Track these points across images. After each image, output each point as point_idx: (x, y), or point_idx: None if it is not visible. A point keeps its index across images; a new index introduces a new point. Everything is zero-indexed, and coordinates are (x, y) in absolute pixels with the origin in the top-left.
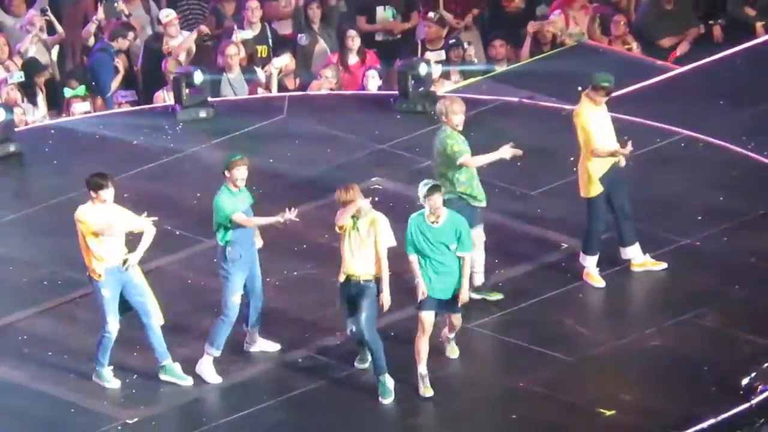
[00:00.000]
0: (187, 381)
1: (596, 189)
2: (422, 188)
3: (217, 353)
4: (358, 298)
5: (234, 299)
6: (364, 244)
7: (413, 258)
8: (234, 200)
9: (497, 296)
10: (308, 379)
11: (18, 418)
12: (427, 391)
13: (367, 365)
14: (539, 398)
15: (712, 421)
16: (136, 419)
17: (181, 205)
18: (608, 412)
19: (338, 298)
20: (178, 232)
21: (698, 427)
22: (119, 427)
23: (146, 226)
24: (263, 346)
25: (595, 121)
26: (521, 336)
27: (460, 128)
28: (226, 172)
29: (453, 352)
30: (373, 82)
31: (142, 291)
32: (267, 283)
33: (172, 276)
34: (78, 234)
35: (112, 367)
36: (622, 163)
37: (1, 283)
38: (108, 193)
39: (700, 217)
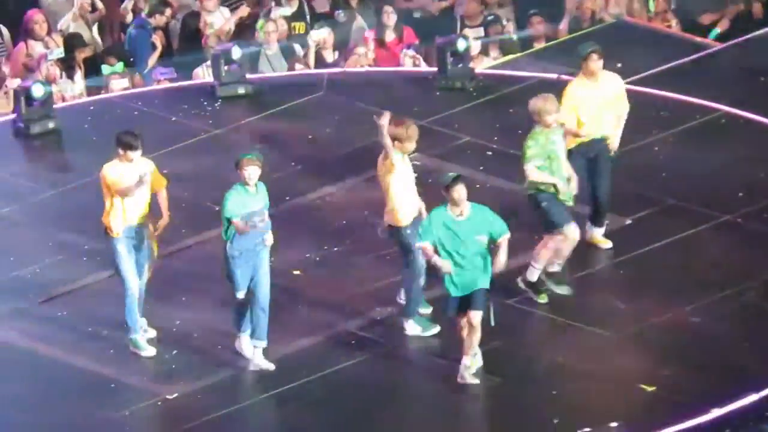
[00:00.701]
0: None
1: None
2: (445, 178)
3: (246, 331)
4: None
5: (239, 295)
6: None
7: (426, 244)
8: (243, 200)
9: (564, 290)
10: (348, 355)
11: (57, 394)
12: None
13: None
14: (579, 374)
15: (753, 397)
16: (176, 395)
17: (220, 181)
18: (649, 388)
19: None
20: (216, 208)
21: (739, 404)
22: (159, 403)
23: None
24: (260, 363)
25: (573, 97)
26: (562, 312)
27: (555, 126)
28: (238, 171)
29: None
30: (409, 62)
31: (146, 254)
32: (306, 260)
33: (212, 251)
34: (102, 190)
35: (147, 334)
36: (612, 146)
37: (40, 259)
38: (136, 154)
39: (740, 194)
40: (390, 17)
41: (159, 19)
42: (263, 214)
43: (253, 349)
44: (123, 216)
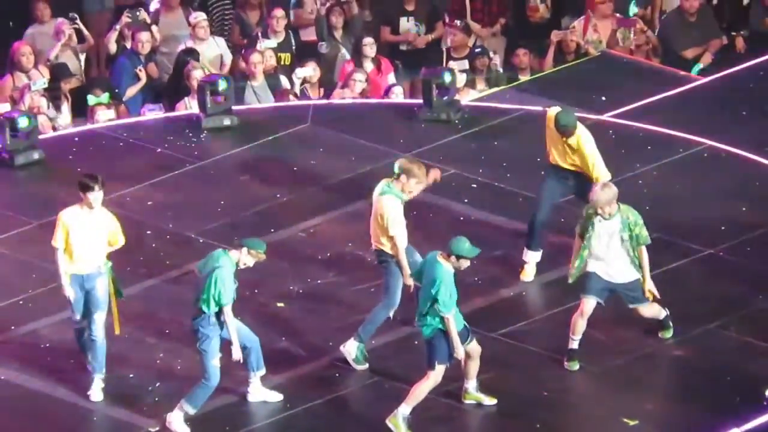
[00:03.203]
0: (97, 397)
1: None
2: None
3: (192, 412)
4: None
5: (214, 363)
6: None
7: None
8: (233, 279)
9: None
10: (332, 388)
11: (39, 427)
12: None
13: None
14: (563, 407)
15: (735, 431)
16: (157, 428)
17: (205, 213)
18: (631, 422)
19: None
20: (201, 240)
21: None
22: None
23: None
24: (265, 396)
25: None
26: (545, 345)
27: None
28: (246, 251)
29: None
30: (398, 98)
31: (99, 305)
32: (290, 292)
33: (194, 282)
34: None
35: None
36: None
37: (24, 290)
38: (94, 195)
39: (723, 227)
40: (371, 48)
41: (144, 48)
42: None
43: (259, 388)
44: (71, 262)
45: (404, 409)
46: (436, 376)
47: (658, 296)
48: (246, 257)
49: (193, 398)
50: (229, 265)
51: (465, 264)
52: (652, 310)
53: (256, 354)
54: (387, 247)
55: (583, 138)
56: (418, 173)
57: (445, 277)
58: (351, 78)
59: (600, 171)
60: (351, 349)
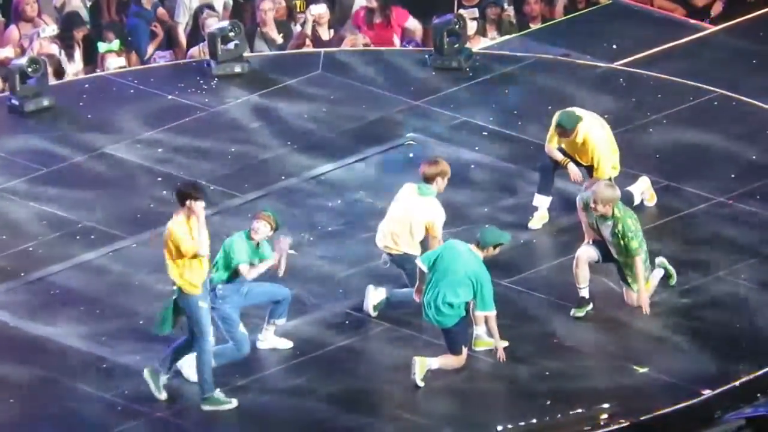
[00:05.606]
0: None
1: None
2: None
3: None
4: None
5: (240, 330)
6: None
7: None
8: (247, 249)
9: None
10: (343, 335)
11: (50, 374)
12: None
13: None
14: (573, 354)
15: (745, 379)
16: (170, 375)
17: (216, 160)
18: (641, 369)
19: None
20: (212, 187)
21: (731, 385)
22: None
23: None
24: (276, 343)
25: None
26: (554, 292)
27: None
28: (256, 218)
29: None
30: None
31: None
32: (301, 239)
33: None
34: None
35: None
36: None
37: (35, 236)
38: (202, 204)
39: (733, 175)
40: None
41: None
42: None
43: (270, 336)
44: (200, 269)
45: (432, 363)
46: (463, 358)
47: (647, 312)
48: (256, 223)
49: (217, 354)
50: (240, 234)
51: (498, 251)
52: (637, 298)
53: (284, 306)
54: (412, 248)
55: (589, 133)
56: (447, 170)
57: (486, 275)
58: (352, 31)
59: (602, 171)
60: (377, 296)
